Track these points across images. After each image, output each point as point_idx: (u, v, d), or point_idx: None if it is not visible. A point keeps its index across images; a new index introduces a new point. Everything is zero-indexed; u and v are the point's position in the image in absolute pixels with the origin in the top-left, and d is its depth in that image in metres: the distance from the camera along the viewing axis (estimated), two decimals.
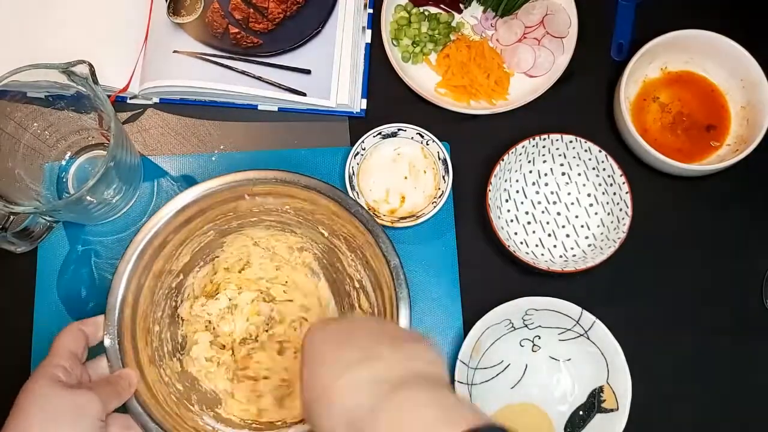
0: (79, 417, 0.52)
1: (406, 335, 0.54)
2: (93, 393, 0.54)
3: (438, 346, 0.56)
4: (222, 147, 0.78)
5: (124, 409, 0.58)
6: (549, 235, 0.75)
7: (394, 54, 0.78)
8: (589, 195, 0.76)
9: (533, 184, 0.76)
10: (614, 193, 0.73)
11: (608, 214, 0.74)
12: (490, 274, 0.74)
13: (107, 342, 0.59)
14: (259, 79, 0.76)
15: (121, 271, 0.60)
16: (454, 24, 0.81)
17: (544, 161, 0.76)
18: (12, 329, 0.72)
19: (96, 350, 0.59)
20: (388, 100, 0.78)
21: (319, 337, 0.51)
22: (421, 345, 0.51)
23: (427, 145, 0.75)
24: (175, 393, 0.63)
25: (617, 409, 0.68)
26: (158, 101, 0.78)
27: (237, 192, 0.63)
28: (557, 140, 0.73)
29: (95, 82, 0.65)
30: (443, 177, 0.74)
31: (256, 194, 0.64)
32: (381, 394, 0.45)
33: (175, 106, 0.78)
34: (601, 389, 0.70)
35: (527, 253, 0.74)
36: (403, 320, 0.59)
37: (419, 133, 0.74)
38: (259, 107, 0.78)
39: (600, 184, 0.75)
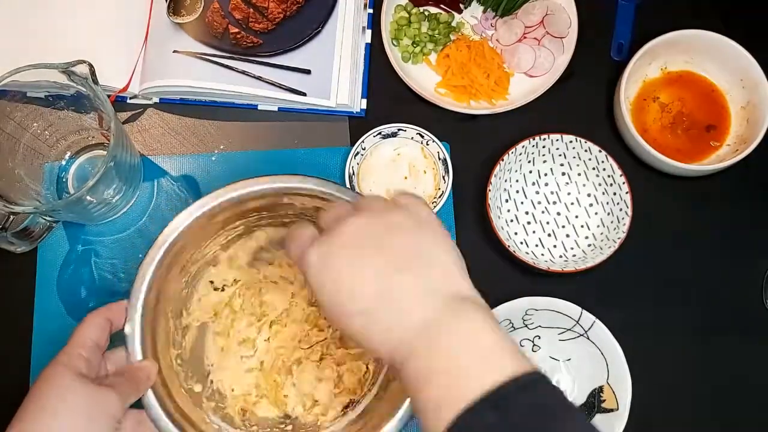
0: (97, 414, 0.51)
1: (441, 233, 0.47)
2: (113, 391, 0.52)
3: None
4: (222, 147, 0.78)
5: (139, 402, 0.57)
6: (549, 235, 0.75)
7: (394, 54, 0.78)
8: (589, 195, 0.76)
9: (533, 184, 0.76)
10: (614, 193, 0.73)
11: (608, 214, 0.74)
12: (490, 274, 0.74)
13: (128, 329, 0.56)
14: (259, 79, 0.76)
15: (150, 258, 0.57)
16: (454, 24, 0.81)
17: (544, 161, 0.76)
18: (12, 329, 0.72)
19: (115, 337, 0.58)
20: (388, 100, 0.78)
21: (361, 227, 0.45)
22: (451, 247, 0.46)
23: (427, 145, 0.75)
24: (185, 386, 0.63)
25: (617, 409, 0.68)
26: (158, 101, 0.78)
27: (277, 194, 0.61)
28: (557, 140, 0.73)
29: (95, 82, 0.65)
30: (443, 177, 0.74)
31: (295, 200, 0.61)
32: (441, 308, 0.43)
33: (175, 106, 0.78)
34: (601, 389, 0.70)
35: (527, 253, 0.74)
36: None
37: (419, 133, 0.74)
38: (259, 107, 0.78)
39: (600, 184, 0.75)
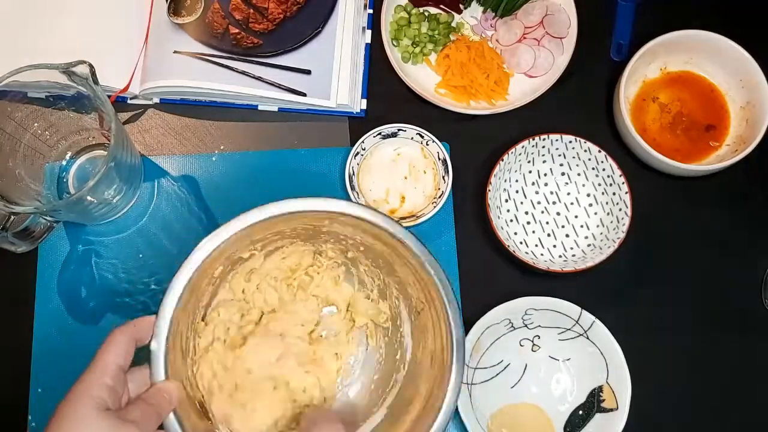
0: None
1: None
2: (137, 429, 0.49)
3: None
4: (222, 147, 0.78)
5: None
6: (548, 235, 0.75)
7: (394, 54, 0.78)
8: (588, 195, 0.76)
9: (533, 184, 0.76)
10: (614, 193, 0.73)
11: (608, 214, 0.74)
12: (490, 274, 0.74)
13: (154, 345, 0.54)
14: (259, 79, 0.76)
15: (182, 277, 0.55)
16: (453, 24, 0.81)
17: (544, 161, 0.76)
18: (12, 329, 0.72)
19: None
20: (388, 100, 0.79)
21: None
22: None
23: (427, 145, 0.75)
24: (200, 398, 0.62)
25: (617, 408, 0.68)
26: (158, 101, 0.78)
27: (320, 216, 0.59)
28: (557, 140, 0.73)
29: (96, 82, 0.65)
30: (443, 177, 0.74)
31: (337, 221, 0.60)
32: None
33: (176, 106, 0.79)
34: (600, 389, 0.70)
35: (527, 253, 0.74)
36: (452, 389, 0.57)
37: (419, 134, 0.74)
38: (260, 107, 0.78)
39: (599, 184, 0.75)
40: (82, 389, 0.49)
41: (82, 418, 0.47)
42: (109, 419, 0.48)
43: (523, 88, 0.78)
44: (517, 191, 0.76)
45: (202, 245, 0.55)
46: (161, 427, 0.53)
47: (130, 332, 0.52)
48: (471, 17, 0.81)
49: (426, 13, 0.80)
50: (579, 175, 0.76)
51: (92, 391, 0.49)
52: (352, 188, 0.73)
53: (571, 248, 0.75)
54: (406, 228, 0.59)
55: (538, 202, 0.76)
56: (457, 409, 0.67)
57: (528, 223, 0.75)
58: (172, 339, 0.55)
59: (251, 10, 0.78)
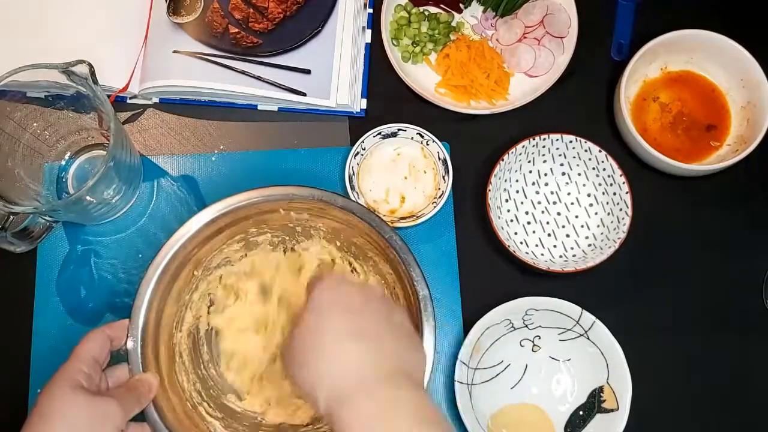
0: (100, 425, 0.52)
1: (407, 328, 0.55)
2: (114, 401, 0.53)
3: (424, 350, 0.58)
4: (222, 147, 0.78)
5: (141, 415, 0.57)
6: (549, 235, 0.75)
7: (394, 54, 0.78)
8: (589, 195, 0.76)
9: (533, 184, 0.76)
10: (614, 193, 0.73)
11: (608, 214, 0.74)
12: (490, 274, 0.74)
13: (130, 345, 0.58)
14: (258, 78, 0.76)
15: (149, 276, 0.60)
16: (454, 24, 0.81)
17: (544, 161, 0.76)
18: (12, 329, 0.72)
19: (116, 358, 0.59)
20: (388, 100, 0.78)
21: (333, 293, 0.53)
22: (414, 342, 0.54)
23: (427, 145, 0.75)
24: (190, 399, 0.63)
25: (617, 409, 0.68)
26: (158, 101, 0.78)
27: (273, 205, 0.63)
28: (557, 140, 0.73)
29: (95, 82, 0.64)
30: (443, 177, 0.74)
31: (291, 209, 0.64)
32: (368, 378, 0.48)
33: (175, 106, 0.78)
34: (601, 389, 0.70)
35: (527, 253, 0.74)
36: (428, 349, 0.59)
37: (419, 133, 0.74)
38: (259, 107, 0.78)
39: (600, 184, 0.74)
40: (58, 375, 0.53)
41: (59, 396, 0.51)
42: (85, 394, 0.52)
43: (523, 88, 0.78)
44: (517, 191, 0.76)
45: (165, 249, 0.61)
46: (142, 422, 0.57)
47: (104, 331, 0.57)
48: (471, 17, 0.81)
49: (426, 13, 0.80)
50: (579, 175, 0.76)
51: (67, 374, 0.53)
52: (352, 188, 0.73)
53: (572, 248, 0.74)
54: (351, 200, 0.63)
55: (539, 202, 0.76)
56: (456, 409, 0.67)
57: (528, 223, 0.75)
58: (149, 336, 0.60)
59: (251, 10, 0.77)
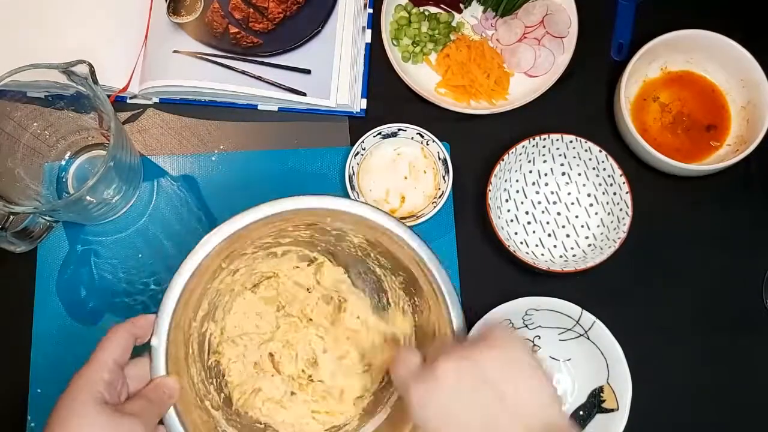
0: None
1: (536, 372, 0.51)
2: (137, 420, 0.50)
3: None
4: (222, 147, 0.78)
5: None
6: (549, 235, 0.75)
7: (394, 54, 0.78)
8: (589, 195, 0.76)
9: (533, 184, 0.76)
10: (614, 193, 0.73)
11: (608, 214, 0.74)
12: (490, 274, 0.74)
13: (155, 342, 0.54)
14: (259, 78, 0.76)
15: (185, 270, 0.55)
16: (454, 24, 0.81)
17: (544, 161, 0.76)
18: (12, 329, 0.72)
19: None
20: (388, 100, 0.78)
21: (464, 370, 0.49)
22: (547, 385, 0.51)
23: (427, 145, 0.75)
24: (202, 397, 0.62)
25: (617, 409, 0.68)
26: (158, 101, 0.78)
27: (317, 215, 0.60)
28: (557, 140, 0.73)
29: (95, 81, 0.64)
30: (443, 177, 0.74)
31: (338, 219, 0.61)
32: None
33: (175, 106, 0.78)
34: (601, 389, 0.70)
35: (527, 253, 0.74)
36: None
37: (419, 133, 0.74)
38: (259, 107, 0.78)
39: (600, 184, 0.74)
40: (81, 384, 0.50)
41: (82, 413, 0.48)
42: (108, 412, 0.49)
43: (523, 88, 0.78)
44: (517, 191, 0.76)
45: (204, 241, 0.56)
46: (162, 422, 0.54)
47: (129, 329, 0.53)
48: (471, 17, 0.81)
49: (426, 13, 0.80)
50: (579, 174, 0.76)
51: (90, 386, 0.50)
52: (352, 188, 0.73)
53: (572, 248, 0.74)
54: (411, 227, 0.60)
55: (539, 202, 0.76)
56: None
57: (528, 223, 0.75)
58: (173, 334, 0.55)
59: (251, 10, 0.77)
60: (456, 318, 0.57)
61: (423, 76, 0.79)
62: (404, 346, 0.64)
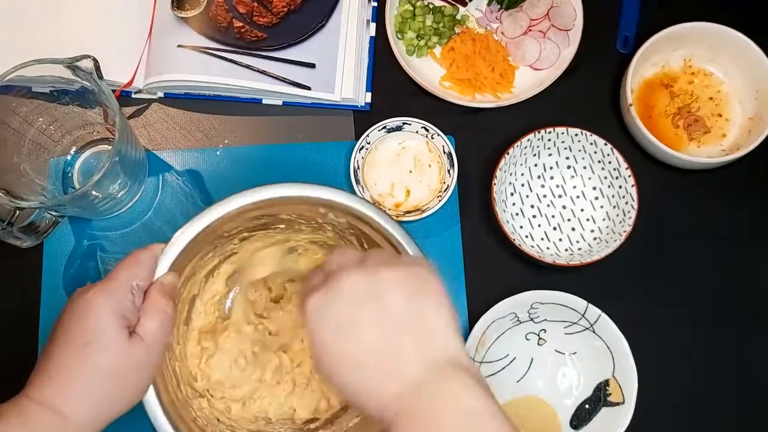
0: (135, 372, 0.51)
1: (442, 297, 0.49)
2: (150, 353, 0.52)
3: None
4: (226, 141, 0.78)
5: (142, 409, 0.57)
6: (554, 228, 0.75)
7: (398, 47, 0.78)
8: (594, 188, 0.75)
9: (538, 177, 0.76)
10: (620, 186, 0.73)
11: (614, 207, 0.74)
12: (496, 267, 0.74)
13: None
14: (263, 73, 0.76)
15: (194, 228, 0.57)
16: (458, 17, 0.80)
17: (550, 154, 0.76)
18: (19, 324, 0.72)
19: None
20: (393, 93, 0.78)
21: (363, 282, 0.47)
22: (450, 313, 0.49)
23: (432, 138, 0.74)
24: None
25: (623, 402, 0.68)
26: (163, 96, 0.78)
27: (311, 202, 0.61)
28: (562, 133, 0.73)
29: (100, 76, 0.64)
30: (448, 171, 0.74)
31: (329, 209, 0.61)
32: (434, 373, 0.45)
33: (180, 100, 0.78)
34: (606, 382, 0.70)
35: (532, 246, 0.74)
36: None
37: (424, 127, 0.74)
38: (264, 101, 0.78)
39: (605, 177, 0.74)
40: (109, 298, 0.51)
41: (107, 327, 0.50)
42: (129, 339, 0.51)
43: (528, 81, 0.78)
44: (522, 184, 0.76)
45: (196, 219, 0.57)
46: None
47: (155, 256, 0.55)
48: (476, 9, 0.81)
49: (430, 6, 0.80)
50: (585, 168, 0.75)
51: (117, 300, 0.51)
52: (357, 182, 0.73)
53: (577, 242, 0.74)
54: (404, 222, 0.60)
55: (544, 196, 0.76)
56: None
57: (534, 216, 0.75)
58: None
59: (255, 4, 0.77)
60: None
61: (427, 70, 0.79)
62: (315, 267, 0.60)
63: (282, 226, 0.66)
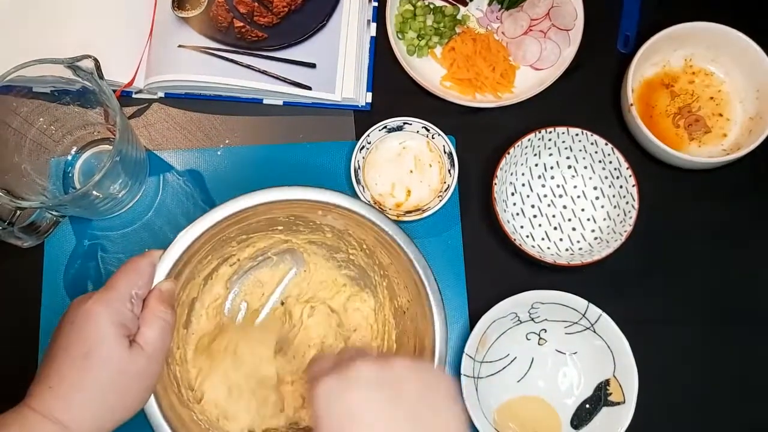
0: (135, 383, 0.52)
1: (450, 402, 0.50)
2: (151, 362, 0.52)
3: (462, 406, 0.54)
4: (227, 141, 0.78)
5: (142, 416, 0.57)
6: (555, 228, 0.75)
7: (399, 47, 0.78)
8: (595, 188, 0.75)
9: (539, 177, 0.76)
10: (620, 186, 0.73)
11: (614, 207, 0.74)
12: (496, 267, 0.74)
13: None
14: (264, 73, 0.76)
15: (196, 230, 0.58)
16: (459, 17, 0.80)
17: (550, 154, 0.75)
18: (20, 324, 0.72)
19: None
20: (394, 93, 0.78)
21: (376, 377, 0.47)
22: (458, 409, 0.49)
23: (433, 138, 0.74)
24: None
25: (624, 402, 0.68)
26: (163, 96, 0.78)
27: (314, 206, 0.62)
28: (563, 133, 0.73)
29: (100, 76, 0.64)
30: (449, 171, 0.74)
31: (329, 212, 0.63)
32: None
33: (180, 100, 0.78)
34: (607, 382, 0.70)
35: (533, 246, 0.74)
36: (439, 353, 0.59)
37: (425, 127, 0.74)
38: (264, 101, 0.78)
39: (606, 177, 0.74)
40: (107, 308, 0.51)
41: (106, 338, 0.50)
42: (128, 349, 0.51)
43: (529, 81, 0.78)
44: (523, 184, 0.76)
45: (193, 225, 0.58)
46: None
47: (152, 263, 0.55)
48: (477, 9, 0.81)
49: (431, 6, 0.80)
50: (586, 168, 0.75)
51: (115, 310, 0.51)
52: (358, 182, 0.73)
53: (578, 241, 0.74)
54: (401, 222, 0.60)
55: (545, 195, 0.76)
56: (463, 402, 0.67)
57: (534, 216, 0.75)
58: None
59: (256, 4, 0.77)
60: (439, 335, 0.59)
61: (428, 70, 0.79)
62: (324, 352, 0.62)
63: (280, 227, 0.66)
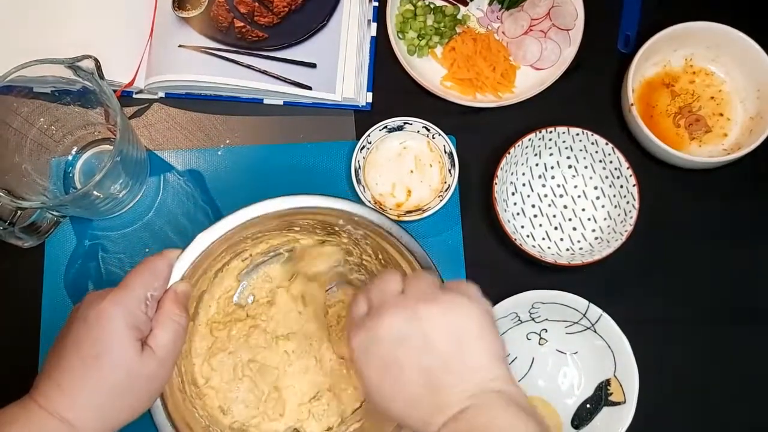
0: (143, 386, 0.52)
1: (486, 325, 0.51)
2: (162, 366, 0.52)
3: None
4: (228, 141, 0.78)
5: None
6: (555, 228, 0.75)
7: (399, 47, 0.78)
8: (595, 188, 0.75)
9: (540, 177, 0.76)
10: (621, 186, 0.73)
11: (615, 206, 0.74)
12: (497, 267, 0.74)
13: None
14: (264, 73, 0.76)
15: (217, 230, 0.57)
16: (459, 17, 0.80)
17: (551, 154, 0.76)
18: (20, 324, 0.73)
19: None
20: (394, 93, 0.78)
21: (406, 319, 0.49)
22: (497, 341, 0.51)
23: (433, 138, 0.74)
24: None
25: (624, 401, 0.68)
26: (164, 96, 0.78)
27: (335, 214, 0.62)
28: (564, 133, 0.73)
29: (101, 77, 0.64)
30: (449, 170, 0.74)
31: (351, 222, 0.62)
32: (478, 401, 0.47)
33: (181, 100, 0.78)
34: (608, 382, 0.70)
35: (534, 246, 0.74)
36: None
37: (425, 127, 0.74)
38: (265, 101, 0.78)
39: (607, 177, 0.74)
40: (121, 308, 0.51)
41: (117, 338, 0.50)
42: (141, 350, 0.51)
43: (529, 81, 0.78)
44: (524, 184, 0.76)
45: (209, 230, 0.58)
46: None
47: (170, 265, 0.55)
48: (477, 9, 0.81)
49: (431, 6, 0.80)
50: (586, 167, 0.75)
51: (129, 310, 0.51)
52: (358, 182, 0.73)
53: (579, 241, 0.74)
54: (403, 222, 0.60)
55: (545, 195, 0.76)
56: None
57: (535, 216, 0.75)
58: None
59: (256, 4, 0.77)
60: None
61: (429, 70, 0.79)
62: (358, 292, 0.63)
63: (297, 228, 0.66)
